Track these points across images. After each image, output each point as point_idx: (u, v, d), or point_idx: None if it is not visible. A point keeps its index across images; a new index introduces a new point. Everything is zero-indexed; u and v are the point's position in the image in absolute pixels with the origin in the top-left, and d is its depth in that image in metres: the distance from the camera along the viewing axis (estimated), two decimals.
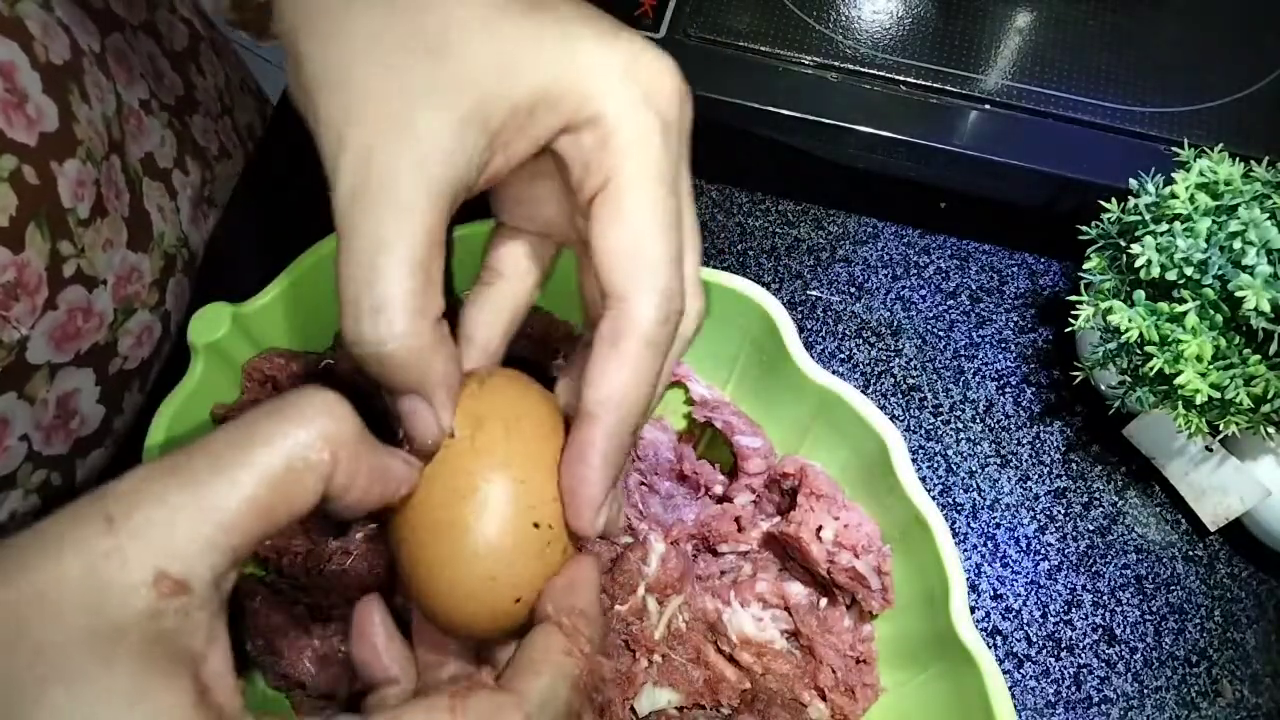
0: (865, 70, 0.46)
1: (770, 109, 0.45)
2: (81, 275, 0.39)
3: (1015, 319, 0.48)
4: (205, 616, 0.18)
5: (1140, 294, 0.37)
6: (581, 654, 0.22)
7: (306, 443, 0.19)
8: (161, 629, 0.17)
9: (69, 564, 0.17)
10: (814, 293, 0.49)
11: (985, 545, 0.44)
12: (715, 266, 0.38)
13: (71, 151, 0.38)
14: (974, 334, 0.48)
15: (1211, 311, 0.36)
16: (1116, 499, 0.45)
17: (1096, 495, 0.45)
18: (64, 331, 0.39)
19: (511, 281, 0.28)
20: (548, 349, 0.38)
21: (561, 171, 0.24)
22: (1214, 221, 0.36)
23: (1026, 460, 0.45)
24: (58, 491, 0.42)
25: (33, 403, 0.38)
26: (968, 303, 0.49)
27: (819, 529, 0.35)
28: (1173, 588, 0.43)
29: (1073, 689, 0.41)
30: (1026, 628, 0.42)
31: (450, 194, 0.22)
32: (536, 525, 0.23)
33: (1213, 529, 0.42)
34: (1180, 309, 0.36)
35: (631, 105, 0.23)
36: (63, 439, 0.41)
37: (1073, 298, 0.40)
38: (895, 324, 0.48)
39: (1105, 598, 0.42)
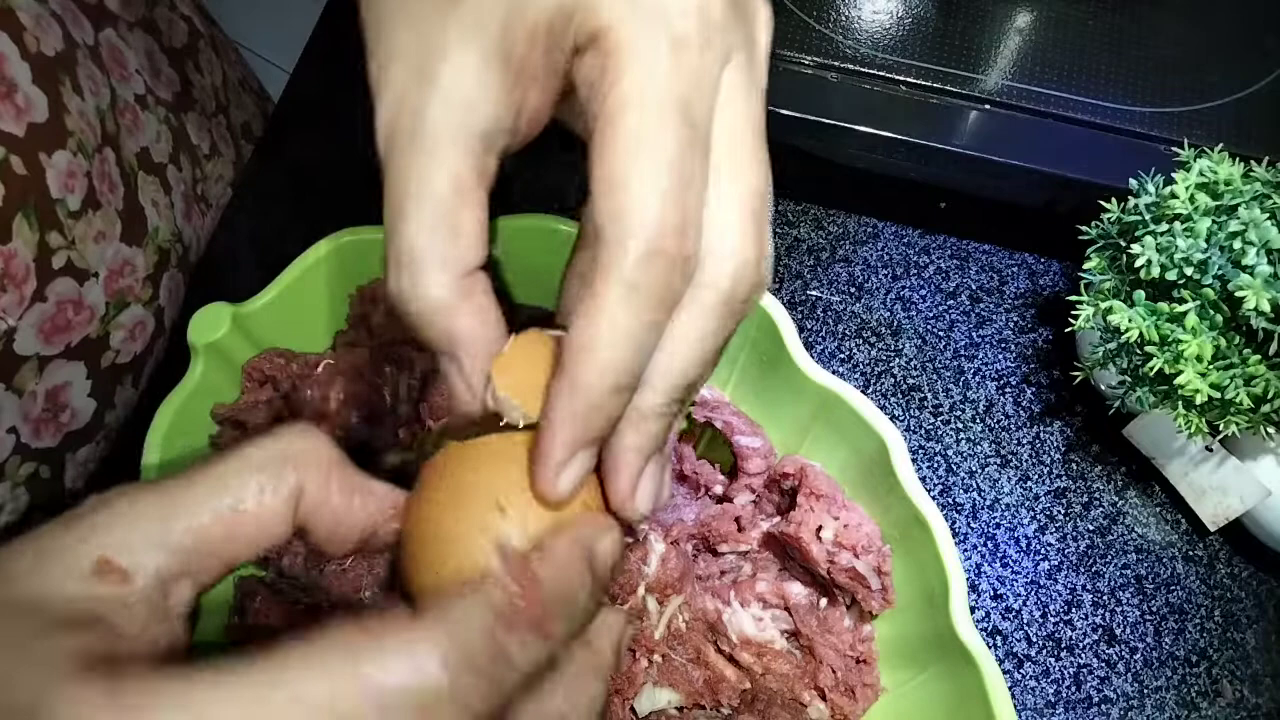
0: (865, 70, 0.46)
1: (771, 109, 0.45)
2: (72, 267, 0.39)
3: (1015, 319, 0.48)
4: (143, 611, 0.18)
5: (1140, 294, 0.37)
6: (516, 584, 0.19)
7: (275, 458, 0.20)
8: (90, 611, 0.17)
9: (22, 548, 0.18)
10: (814, 293, 0.49)
11: (985, 545, 0.43)
12: None
13: (62, 143, 0.38)
14: (974, 334, 0.48)
15: (1211, 311, 0.36)
16: (1116, 499, 0.44)
17: (1096, 495, 0.45)
18: (53, 324, 0.38)
19: None
20: None
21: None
22: (1214, 221, 0.36)
23: (1026, 460, 0.45)
24: (46, 485, 0.41)
25: (21, 395, 0.38)
26: (968, 303, 0.49)
27: (819, 529, 0.35)
28: (1173, 588, 0.43)
29: (1073, 689, 0.41)
30: (1026, 628, 0.42)
31: (479, 139, 0.21)
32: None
33: (1213, 529, 0.42)
34: (1180, 309, 0.36)
35: (639, 20, 0.20)
36: (52, 432, 0.40)
37: (1073, 298, 0.40)
38: (895, 324, 0.48)
39: (1105, 598, 0.42)
